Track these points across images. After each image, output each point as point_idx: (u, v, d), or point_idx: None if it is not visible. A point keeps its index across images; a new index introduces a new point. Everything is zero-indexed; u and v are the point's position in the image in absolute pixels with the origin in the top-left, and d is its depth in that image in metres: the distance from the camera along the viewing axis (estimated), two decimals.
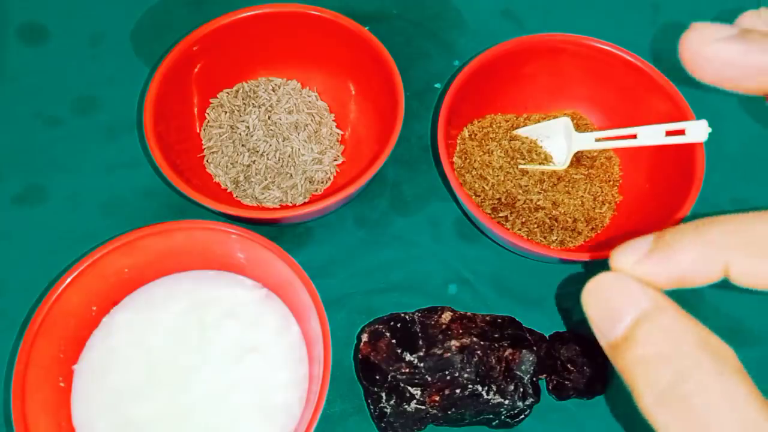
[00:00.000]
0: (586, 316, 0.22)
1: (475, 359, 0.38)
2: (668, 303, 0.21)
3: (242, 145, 0.47)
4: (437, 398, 0.38)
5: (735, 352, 0.20)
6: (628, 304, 0.21)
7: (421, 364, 0.38)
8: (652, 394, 0.20)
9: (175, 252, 0.40)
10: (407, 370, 0.38)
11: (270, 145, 0.47)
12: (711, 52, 0.25)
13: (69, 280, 0.37)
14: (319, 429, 0.34)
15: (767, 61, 0.23)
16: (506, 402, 0.38)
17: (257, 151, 0.47)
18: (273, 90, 0.49)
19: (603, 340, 0.22)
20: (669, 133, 0.43)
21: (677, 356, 0.19)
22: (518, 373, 0.39)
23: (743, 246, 0.21)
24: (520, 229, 0.46)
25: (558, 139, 0.49)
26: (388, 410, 0.38)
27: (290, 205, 0.47)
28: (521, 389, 0.38)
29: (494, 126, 0.49)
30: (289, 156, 0.47)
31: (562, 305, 0.46)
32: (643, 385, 0.20)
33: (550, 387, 0.42)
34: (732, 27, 0.23)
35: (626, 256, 0.23)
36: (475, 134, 0.49)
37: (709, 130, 0.42)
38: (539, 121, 0.50)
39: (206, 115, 0.49)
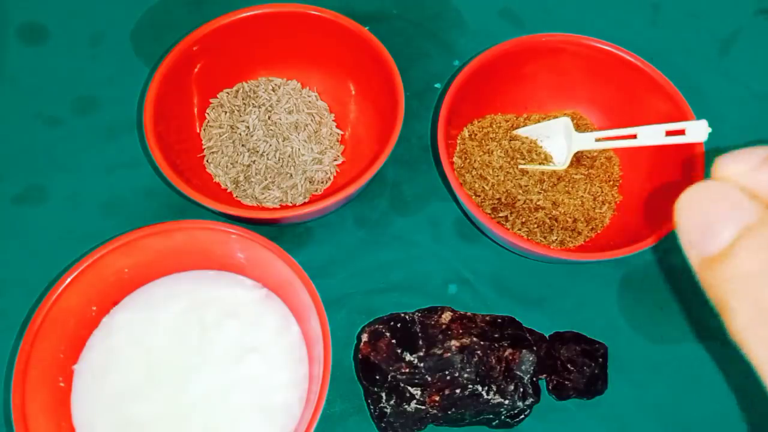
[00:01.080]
0: (676, 228, 0.20)
1: (475, 359, 0.38)
2: None
3: (242, 145, 0.47)
4: (437, 398, 0.38)
5: None
6: (730, 215, 0.19)
7: (421, 364, 0.38)
8: (748, 314, 0.18)
9: (175, 252, 0.40)
10: (407, 370, 0.38)
11: (270, 145, 0.47)
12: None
13: (69, 280, 0.37)
14: (319, 429, 0.34)
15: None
16: (506, 402, 0.38)
17: (257, 151, 0.47)
18: (273, 90, 0.49)
19: (694, 253, 0.20)
20: (669, 133, 0.43)
21: None
22: (518, 373, 0.39)
23: None
24: (520, 229, 0.46)
25: (558, 139, 0.49)
26: (388, 410, 0.38)
27: (290, 205, 0.47)
28: (521, 389, 0.38)
29: (494, 126, 0.49)
30: (289, 156, 0.47)
31: (562, 305, 0.46)
32: (739, 304, 0.18)
33: (550, 387, 0.42)
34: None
35: (737, 163, 0.20)
36: (475, 134, 0.49)
37: (709, 130, 0.42)
38: (539, 121, 0.50)
39: (206, 115, 0.49)
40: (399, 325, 0.40)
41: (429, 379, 0.38)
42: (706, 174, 0.42)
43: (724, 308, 0.19)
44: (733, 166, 0.20)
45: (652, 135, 0.44)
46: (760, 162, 0.20)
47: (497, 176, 0.47)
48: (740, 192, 0.19)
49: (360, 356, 0.40)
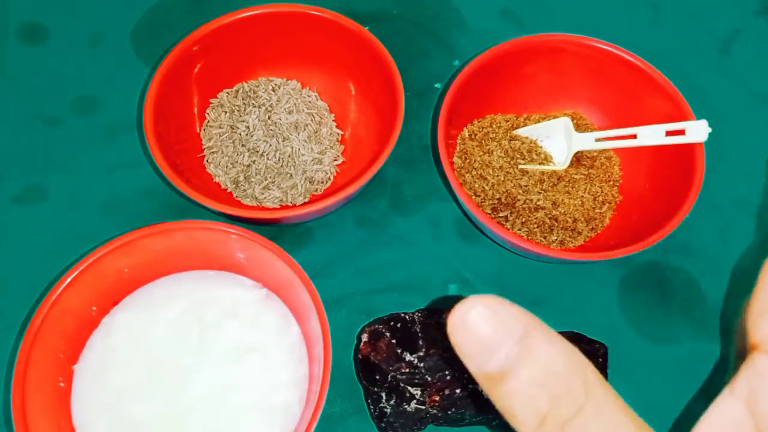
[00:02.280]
0: (452, 343, 0.21)
1: None
2: (537, 323, 0.21)
3: (242, 145, 0.47)
4: (437, 398, 0.38)
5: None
6: (502, 334, 0.20)
7: (421, 364, 0.38)
8: (532, 423, 0.20)
9: (175, 252, 0.40)
10: (407, 370, 0.38)
11: (270, 145, 0.47)
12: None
13: (69, 280, 0.37)
14: (319, 429, 0.34)
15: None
16: None
17: (257, 151, 0.47)
18: (273, 90, 0.49)
19: (477, 372, 0.21)
20: (669, 133, 0.44)
21: (551, 380, 0.20)
22: None
23: None
24: (520, 229, 0.46)
25: (558, 139, 0.49)
26: (388, 410, 0.38)
27: (290, 205, 0.47)
28: None
29: (494, 126, 0.49)
30: (289, 156, 0.47)
31: (562, 305, 0.46)
32: (523, 414, 0.20)
33: None
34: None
35: None
36: (475, 134, 0.49)
37: (709, 130, 0.42)
38: (539, 121, 0.50)
39: (206, 115, 0.49)
40: (399, 325, 0.40)
41: (429, 379, 0.38)
42: (706, 174, 0.42)
43: (513, 418, 0.20)
44: None
45: (652, 135, 0.44)
46: None
47: (497, 176, 0.47)
48: (506, 307, 0.21)
49: (360, 356, 0.40)
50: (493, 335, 0.20)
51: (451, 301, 0.44)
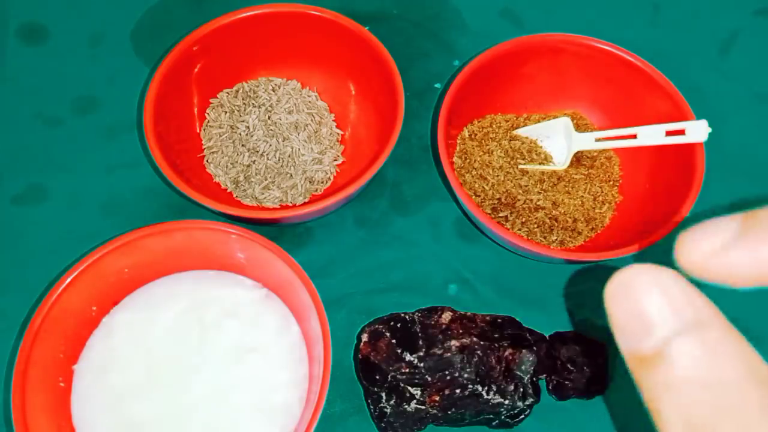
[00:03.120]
0: (606, 316, 0.18)
1: (475, 359, 0.38)
2: (716, 316, 0.17)
3: (242, 145, 0.47)
4: (437, 398, 0.38)
5: None
6: (665, 311, 0.17)
7: (421, 364, 0.38)
8: (679, 426, 0.16)
9: (175, 252, 0.40)
10: (407, 370, 0.38)
11: (270, 145, 0.47)
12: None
13: (69, 280, 0.37)
14: (319, 429, 0.34)
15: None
16: (506, 402, 0.38)
17: (257, 151, 0.47)
18: (273, 90, 0.49)
19: (627, 350, 0.18)
20: (669, 133, 0.43)
21: (719, 386, 0.16)
22: (518, 373, 0.39)
23: None
24: (520, 229, 0.46)
25: (558, 139, 0.49)
26: (388, 410, 0.38)
27: (290, 205, 0.47)
28: (521, 389, 0.38)
29: (494, 126, 0.49)
30: (289, 156, 0.47)
31: (562, 305, 0.46)
32: (671, 415, 0.16)
33: (550, 387, 0.42)
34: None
35: (704, 241, 0.18)
36: (475, 134, 0.49)
37: (709, 130, 0.42)
38: (539, 121, 0.50)
39: (206, 115, 0.49)
40: (399, 325, 0.40)
41: (429, 379, 0.38)
42: (706, 174, 0.42)
43: (656, 416, 0.17)
44: (702, 245, 0.18)
45: (652, 135, 0.44)
46: (729, 240, 0.17)
47: (497, 176, 0.47)
48: (677, 283, 0.17)
49: (360, 356, 0.40)
50: (656, 311, 0.17)
51: (450, 302, 0.44)
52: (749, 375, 0.16)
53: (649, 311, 0.17)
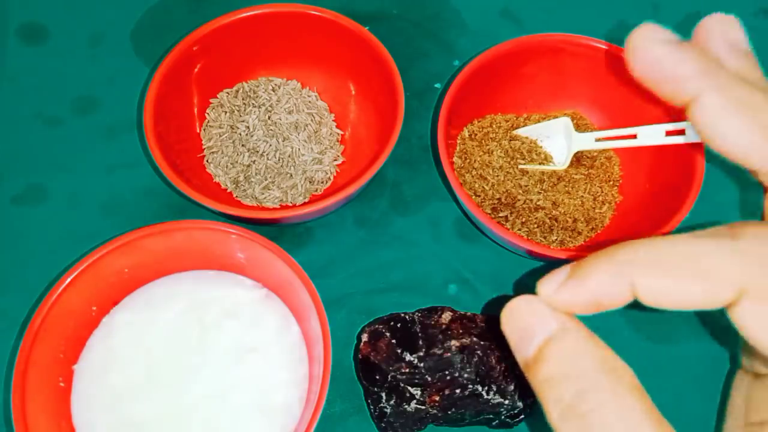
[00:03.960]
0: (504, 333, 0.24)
1: (475, 359, 0.38)
2: (574, 325, 0.23)
3: (242, 145, 0.47)
4: (437, 398, 0.38)
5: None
6: (539, 325, 0.23)
7: (421, 364, 0.38)
8: (557, 410, 0.21)
9: (175, 252, 0.40)
10: (407, 370, 0.38)
11: (270, 145, 0.47)
12: (644, 49, 0.28)
13: (69, 280, 0.37)
14: (319, 429, 0.34)
15: (681, 71, 0.26)
16: (506, 402, 0.38)
17: (257, 151, 0.47)
18: (273, 90, 0.49)
19: (520, 360, 0.24)
20: (669, 133, 0.43)
21: (578, 376, 0.22)
22: (518, 373, 0.39)
23: (646, 266, 0.23)
24: (520, 229, 0.46)
25: (558, 139, 0.49)
26: (388, 410, 0.38)
27: (290, 205, 0.47)
28: (521, 389, 0.38)
29: (494, 126, 0.49)
30: (289, 156, 0.47)
31: None
32: (549, 402, 0.22)
33: None
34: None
35: (548, 286, 0.24)
36: (475, 134, 0.49)
37: None
38: (539, 121, 0.50)
39: (206, 115, 0.49)
40: (399, 325, 0.40)
41: (429, 379, 0.38)
42: (706, 174, 0.42)
43: (543, 404, 0.22)
44: (545, 288, 0.24)
45: (652, 135, 0.44)
46: (561, 283, 0.24)
47: (497, 176, 0.47)
48: (545, 305, 0.24)
49: (360, 356, 0.40)
50: (531, 324, 0.23)
51: (451, 302, 0.44)
52: (600, 365, 0.22)
53: (528, 326, 0.23)
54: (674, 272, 0.23)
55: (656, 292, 0.23)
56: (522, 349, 0.23)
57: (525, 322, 0.24)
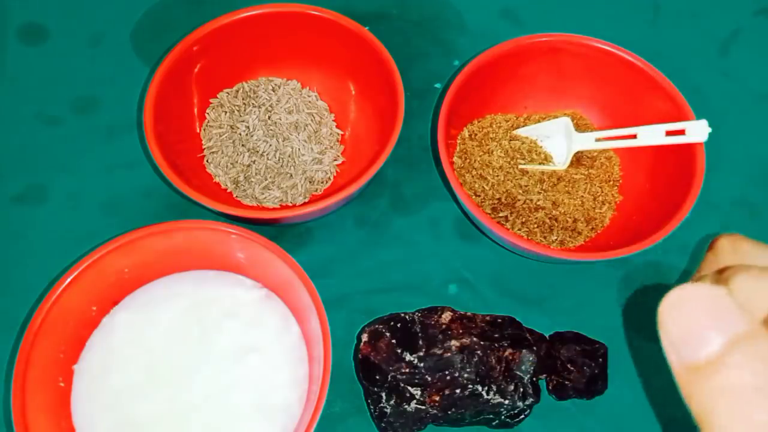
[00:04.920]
0: (658, 331, 0.19)
1: (475, 359, 0.38)
2: (764, 329, 0.18)
3: (242, 145, 0.47)
4: (437, 398, 0.38)
5: None
6: (720, 323, 0.18)
7: (421, 364, 0.38)
8: (742, 428, 0.17)
9: (175, 252, 0.40)
10: (407, 370, 0.38)
11: (270, 145, 0.47)
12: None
13: (69, 280, 0.37)
14: (319, 429, 0.34)
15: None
16: (506, 402, 0.38)
17: (257, 151, 0.47)
18: (273, 90, 0.49)
19: (681, 361, 0.19)
20: (669, 133, 0.43)
21: None
22: (518, 373, 0.39)
23: None
24: (520, 229, 0.46)
25: (558, 139, 0.49)
26: (388, 410, 0.38)
27: (290, 205, 0.47)
28: (521, 389, 0.38)
29: (494, 126, 0.49)
30: (289, 156, 0.47)
31: (562, 305, 0.46)
32: (728, 419, 0.17)
33: (550, 387, 0.42)
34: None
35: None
36: (475, 134, 0.49)
37: (709, 130, 0.42)
38: (539, 121, 0.50)
39: (206, 115, 0.49)
40: (399, 325, 0.40)
41: (429, 379, 0.38)
42: (706, 174, 0.42)
43: (709, 423, 0.18)
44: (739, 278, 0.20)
45: (652, 135, 0.44)
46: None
47: (497, 176, 0.47)
48: (731, 299, 0.19)
49: (360, 356, 0.40)
50: (711, 324, 0.18)
51: (450, 302, 0.44)
52: None
53: (704, 324, 0.18)
54: None
55: None
56: (689, 350, 0.18)
57: (700, 318, 0.18)
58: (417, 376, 0.38)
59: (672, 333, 0.19)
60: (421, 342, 0.39)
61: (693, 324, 0.18)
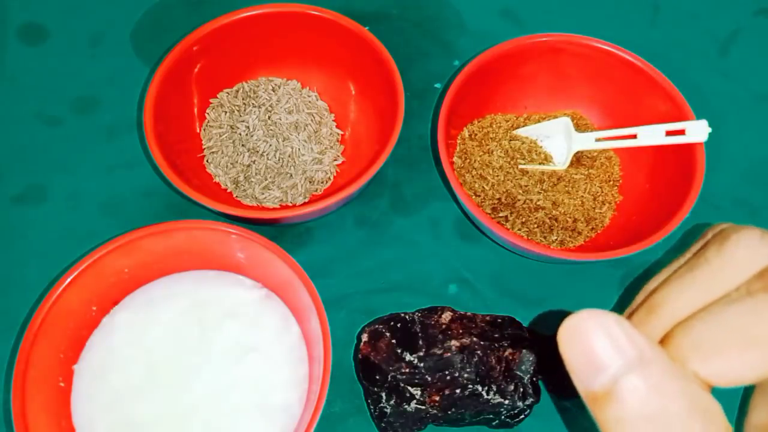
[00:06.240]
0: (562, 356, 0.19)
1: (475, 359, 0.38)
2: (658, 353, 0.18)
3: (242, 145, 0.47)
4: (437, 398, 0.38)
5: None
6: (610, 352, 0.18)
7: (421, 364, 0.38)
8: None
9: (175, 252, 0.40)
10: (407, 370, 0.38)
11: (270, 145, 0.47)
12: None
13: (69, 280, 0.37)
14: (319, 429, 0.34)
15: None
16: (506, 402, 0.38)
17: (257, 151, 0.47)
18: (273, 90, 0.49)
19: (582, 390, 0.19)
20: (669, 133, 0.44)
21: (665, 420, 0.17)
22: (518, 373, 0.39)
23: (700, 358, 0.20)
24: (520, 229, 0.46)
25: (558, 139, 0.49)
26: (388, 410, 0.38)
27: (290, 205, 0.47)
28: (521, 389, 0.38)
29: (494, 126, 0.49)
30: (289, 156, 0.47)
31: (562, 305, 0.46)
32: None
33: (550, 387, 0.42)
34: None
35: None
36: (475, 134, 0.49)
37: (709, 130, 0.42)
38: (539, 121, 0.50)
39: (206, 115, 0.49)
40: (399, 325, 0.40)
41: (429, 379, 0.38)
42: (706, 174, 0.42)
43: None
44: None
45: (652, 135, 0.44)
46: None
47: (497, 176, 0.47)
48: (623, 327, 0.19)
49: (360, 356, 0.40)
50: (603, 352, 0.18)
51: (450, 302, 0.44)
52: (691, 406, 0.17)
53: (597, 352, 0.18)
54: (728, 350, 0.19)
55: (720, 377, 0.19)
56: (587, 380, 0.19)
57: (592, 347, 0.18)
58: (417, 376, 0.38)
59: (571, 361, 0.19)
60: (421, 342, 0.39)
61: (588, 352, 0.19)
